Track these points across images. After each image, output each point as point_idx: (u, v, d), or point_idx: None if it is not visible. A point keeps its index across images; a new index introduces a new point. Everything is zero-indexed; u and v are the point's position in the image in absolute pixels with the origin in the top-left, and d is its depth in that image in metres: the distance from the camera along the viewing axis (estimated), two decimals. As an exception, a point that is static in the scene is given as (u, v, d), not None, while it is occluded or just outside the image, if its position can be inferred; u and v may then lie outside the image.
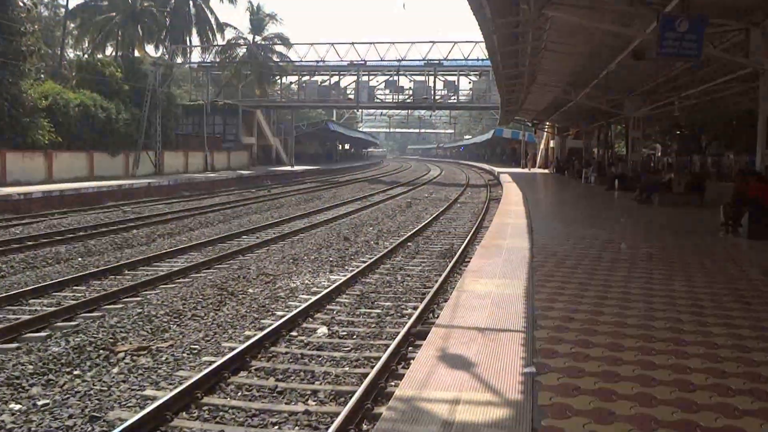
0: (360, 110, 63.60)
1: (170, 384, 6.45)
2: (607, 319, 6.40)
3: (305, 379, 6.62)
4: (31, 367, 6.90)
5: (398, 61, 50.25)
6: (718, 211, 13.61)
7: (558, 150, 47.69)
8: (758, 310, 6.79)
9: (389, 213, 22.53)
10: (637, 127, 26.40)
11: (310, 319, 8.81)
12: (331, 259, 13.22)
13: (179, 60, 49.38)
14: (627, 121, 28.08)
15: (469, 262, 10.28)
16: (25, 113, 27.72)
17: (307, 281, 11.17)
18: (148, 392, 6.25)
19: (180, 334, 8.17)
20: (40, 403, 6.00)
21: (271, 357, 7.27)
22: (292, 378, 6.66)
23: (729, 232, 12.84)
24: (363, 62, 50.00)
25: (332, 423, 5.44)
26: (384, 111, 70.84)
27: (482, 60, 48.13)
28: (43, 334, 8.08)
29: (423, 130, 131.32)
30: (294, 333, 8.20)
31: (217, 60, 50.41)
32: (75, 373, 6.78)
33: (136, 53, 45.19)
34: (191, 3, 50.10)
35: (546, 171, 48.35)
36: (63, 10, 49.12)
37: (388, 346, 7.48)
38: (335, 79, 52.44)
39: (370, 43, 64.32)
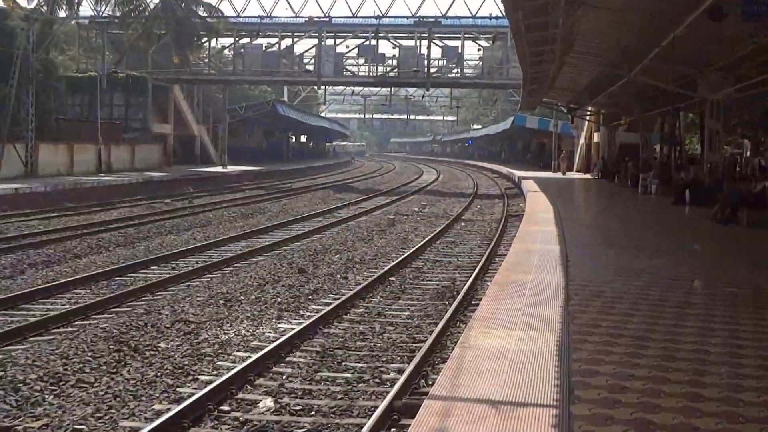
0: (323, 88, 63.64)
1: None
2: (675, 389, 6.47)
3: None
4: None
5: (377, 18, 50.56)
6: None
7: (604, 147, 48.31)
8: None
9: (363, 235, 22.81)
10: (716, 116, 26.51)
11: (249, 387, 8.90)
12: (279, 300, 13.39)
13: (62, 14, 49.05)
14: (702, 107, 28.27)
15: (477, 305, 10.41)
16: None
17: (244, 332, 11.29)
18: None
19: (59, 408, 8.13)
20: None
21: (191, 443, 7.24)
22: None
23: None
24: (327, 19, 50.23)
25: None
26: (357, 89, 70.79)
27: (496, 18, 48.53)
28: None
29: (413, 117, 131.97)
30: (225, 407, 8.26)
31: (118, 14, 50.27)
32: None
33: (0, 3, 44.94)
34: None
35: (587, 176, 48.95)
36: None
37: (360, 427, 7.51)
38: (287, 42, 52.61)
39: (338, -9, 64.64)
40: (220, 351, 10.29)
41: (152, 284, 14.28)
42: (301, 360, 9.96)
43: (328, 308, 12.32)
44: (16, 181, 33.50)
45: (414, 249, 19.12)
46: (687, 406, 6.05)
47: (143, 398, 8.46)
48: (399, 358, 10.09)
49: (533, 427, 5.60)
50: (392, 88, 68.41)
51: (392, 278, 15.54)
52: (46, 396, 8.46)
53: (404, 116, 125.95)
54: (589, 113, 49.62)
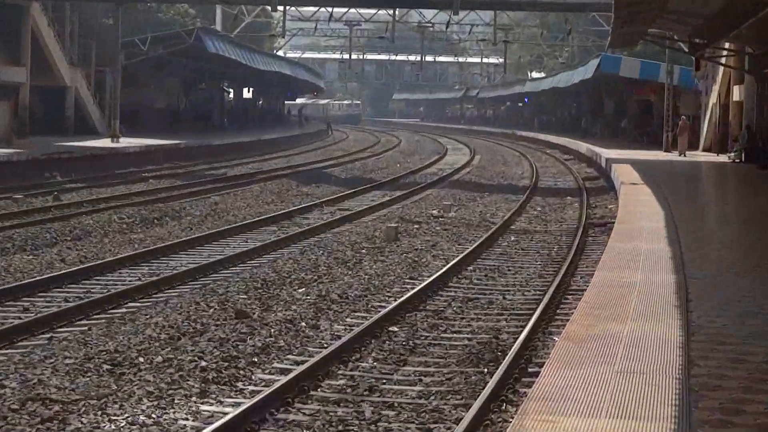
0: (282, 8, 63.55)
1: None
2: None
3: None
4: None
5: None
6: None
7: (751, 109, 48.12)
8: None
9: (345, 255, 22.84)
10: None
11: None
12: (204, 363, 13.16)
13: None
14: None
15: (536, 376, 10.33)
16: None
17: (143, 419, 11.04)
18: None
19: None
20: None
21: None
22: None
23: None
24: None
25: None
26: (337, 11, 70.75)
27: None
28: None
29: (432, 58, 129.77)
30: None
31: None
32: None
33: None
34: None
35: (721, 158, 49.00)
36: None
37: None
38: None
39: None
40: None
41: (-5, 335, 14.23)
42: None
43: (285, 379, 12.01)
44: None
45: (430, 279, 19.08)
46: None
47: None
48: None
49: None
50: (396, 9, 67.43)
51: (394, 328, 15.40)
52: None
53: (416, 57, 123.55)
54: (725, 53, 49.06)
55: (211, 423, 10.45)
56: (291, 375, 12.14)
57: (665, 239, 19.13)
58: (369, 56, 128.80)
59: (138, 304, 16.69)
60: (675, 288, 13.69)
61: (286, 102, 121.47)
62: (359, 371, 12.96)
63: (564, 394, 8.49)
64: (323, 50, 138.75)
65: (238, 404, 11.18)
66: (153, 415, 11.00)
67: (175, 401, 11.46)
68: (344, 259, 21.96)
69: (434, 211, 31.97)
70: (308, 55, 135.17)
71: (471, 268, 21.32)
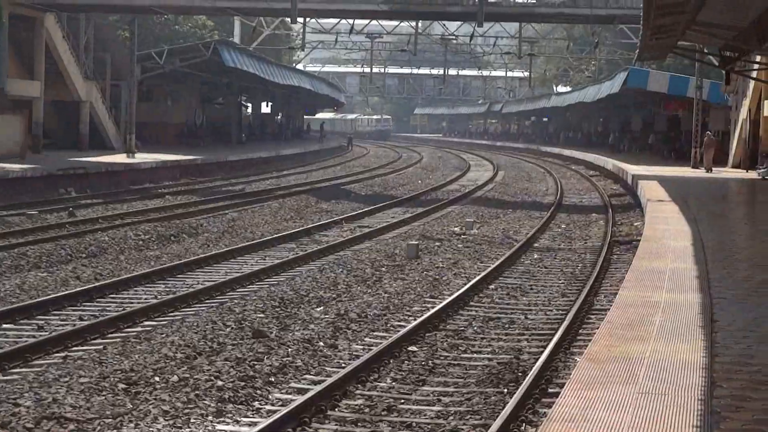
0: (302, 20, 63.63)
1: None
2: None
3: None
4: None
5: None
6: None
7: None
8: None
9: (365, 273, 22.79)
10: None
11: None
12: (220, 383, 13.03)
13: None
14: None
15: (556, 397, 10.07)
16: None
17: None
18: None
19: None
20: None
21: None
22: None
23: None
24: None
25: None
26: (358, 24, 70.74)
27: None
28: None
29: (455, 72, 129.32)
30: None
31: None
32: None
33: None
34: None
35: (751, 174, 48.90)
36: None
37: None
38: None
39: None
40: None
41: (3, 355, 14.13)
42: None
43: (303, 398, 12.01)
44: None
45: (452, 298, 19.05)
46: None
47: None
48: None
49: None
50: (419, 22, 67.31)
51: (413, 348, 15.40)
52: None
53: (439, 70, 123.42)
54: (757, 67, 48.60)
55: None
56: (308, 395, 12.17)
57: (691, 258, 18.95)
58: (390, 69, 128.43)
59: (154, 323, 16.75)
60: (700, 308, 13.62)
61: (305, 117, 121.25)
62: (377, 391, 13.00)
63: (585, 415, 8.45)
64: (344, 63, 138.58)
65: (255, 424, 11.22)
66: (168, 434, 11.06)
67: (191, 420, 11.48)
68: (364, 277, 22.02)
69: (456, 229, 32.09)
70: (328, 68, 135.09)
71: (493, 286, 21.39)
